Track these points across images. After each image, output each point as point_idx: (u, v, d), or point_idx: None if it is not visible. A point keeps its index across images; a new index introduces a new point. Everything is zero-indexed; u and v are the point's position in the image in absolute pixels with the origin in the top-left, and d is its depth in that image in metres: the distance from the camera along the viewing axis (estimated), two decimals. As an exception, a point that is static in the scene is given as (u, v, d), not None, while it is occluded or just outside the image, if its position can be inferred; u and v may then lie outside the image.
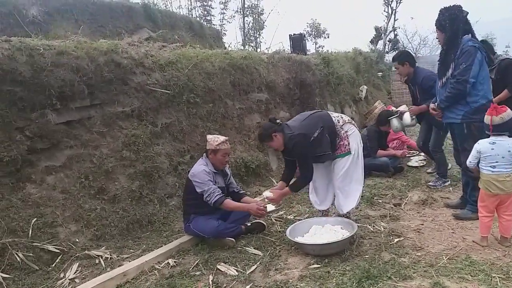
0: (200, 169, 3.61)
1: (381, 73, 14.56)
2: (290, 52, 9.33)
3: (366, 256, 3.11)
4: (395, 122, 5.31)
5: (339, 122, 3.63)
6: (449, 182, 4.89)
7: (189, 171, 3.80)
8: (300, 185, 3.63)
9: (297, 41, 9.90)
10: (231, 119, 5.68)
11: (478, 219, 3.27)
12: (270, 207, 3.76)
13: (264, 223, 3.83)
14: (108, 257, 3.44)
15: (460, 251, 3.08)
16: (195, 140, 4.94)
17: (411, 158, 6.33)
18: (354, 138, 3.64)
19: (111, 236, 3.80)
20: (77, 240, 3.56)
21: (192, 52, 5.39)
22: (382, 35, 22.27)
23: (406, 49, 5.58)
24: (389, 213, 4.08)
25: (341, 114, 3.85)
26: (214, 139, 3.68)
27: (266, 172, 5.75)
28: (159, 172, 4.40)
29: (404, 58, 4.93)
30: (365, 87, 10.52)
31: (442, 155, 4.97)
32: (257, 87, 6.29)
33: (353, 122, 3.77)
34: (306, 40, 11.01)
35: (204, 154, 3.80)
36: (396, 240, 3.37)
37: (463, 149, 3.63)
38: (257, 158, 5.62)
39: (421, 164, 5.97)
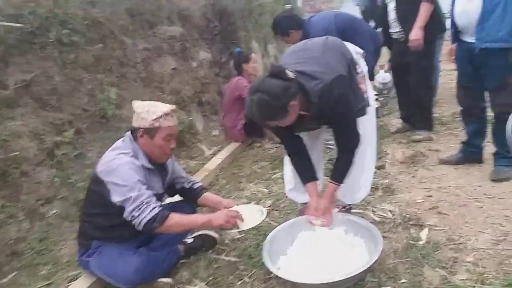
0: (124, 161, 1.93)
1: (289, 5, 13.31)
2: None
3: (402, 281, 1.88)
4: None
5: (352, 54, 2.18)
6: None
7: (99, 162, 2.02)
8: (347, 168, 2.09)
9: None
10: (134, 66, 3.90)
11: None
12: (254, 221, 2.17)
13: (214, 235, 2.37)
14: None
15: (521, 244, 2.07)
16: (79, 103, 3.13)
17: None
18: (367, 81, 2.29)
19: None
20: None
21: (58, -38, 3.37)
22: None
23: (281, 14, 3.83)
24: (379, 183, 2.95)
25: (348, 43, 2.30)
26: (150, 109, 1.99)
27: (191, 137, 4.19)
28: (22, 164, 2.61)
29: (284, 27, 3.53)
30: (285, 19, 9.14)
31: None
32: (167, 17, 4.49)
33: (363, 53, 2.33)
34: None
35: (129, 134, 2.09)
36: (424, 236, 2.22)
37: (507, 85, 2.57)
38: (178, 120, 4.01)
39: (376, 105, 4.96)
